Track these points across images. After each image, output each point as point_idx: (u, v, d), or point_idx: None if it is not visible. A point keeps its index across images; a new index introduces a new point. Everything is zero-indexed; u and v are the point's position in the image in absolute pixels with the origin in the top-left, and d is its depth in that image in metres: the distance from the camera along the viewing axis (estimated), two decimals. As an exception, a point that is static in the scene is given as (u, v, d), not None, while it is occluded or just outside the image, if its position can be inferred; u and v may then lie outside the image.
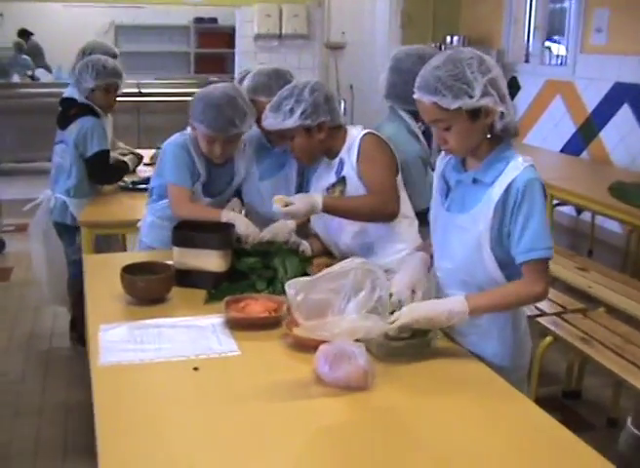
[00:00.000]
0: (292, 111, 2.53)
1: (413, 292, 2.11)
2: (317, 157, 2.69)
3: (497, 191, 1.93)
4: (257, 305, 2.24)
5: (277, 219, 2.69)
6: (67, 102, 3.90)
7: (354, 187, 2.58)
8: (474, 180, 2.01)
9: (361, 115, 9.12)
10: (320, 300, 1.76)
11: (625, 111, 6.04)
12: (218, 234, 2.50)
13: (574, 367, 3.69)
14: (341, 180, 2.61)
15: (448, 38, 8.09)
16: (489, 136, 1.97)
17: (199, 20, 10.67)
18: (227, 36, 10.41)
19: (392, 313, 1.90)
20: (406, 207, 2.64)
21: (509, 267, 1.98)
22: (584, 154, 6.57)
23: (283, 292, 2.40)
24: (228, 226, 2.59)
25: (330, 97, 2.61)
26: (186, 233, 2.48)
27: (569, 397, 3.71)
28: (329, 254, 2.75)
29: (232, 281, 2.46)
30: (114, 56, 4.31)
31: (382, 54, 9.95)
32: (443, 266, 2.12)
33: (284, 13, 7.96)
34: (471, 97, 1.88)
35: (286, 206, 2.40)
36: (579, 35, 6.60)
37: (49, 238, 3.93)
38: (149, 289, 2.32)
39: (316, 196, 2.52)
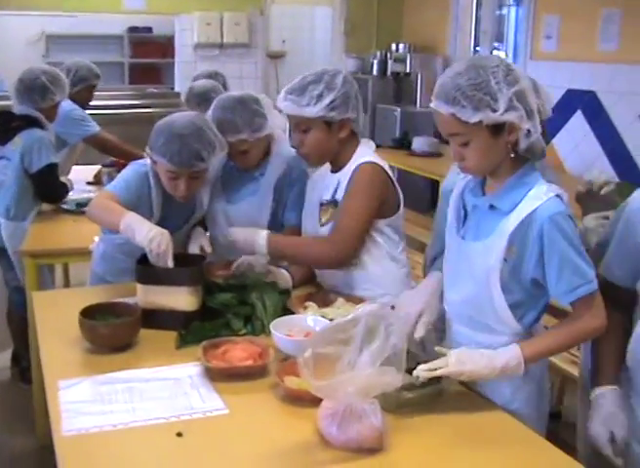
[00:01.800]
0: (320, 97, 2.23)
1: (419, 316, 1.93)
2: (327, 159, 2.39)
3: (513, 221, 1.72)
4: (238, 350, 1.97)
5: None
6: (6, 116, 3.58)
7: None
8: (491, 207, 1.79)
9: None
10: (329, 354, 1.51)
11: (578, 118, 5.96)
12: (187, 268, 2.22)
13: (553, 387, 3.53)
14: (334, 204, 2.36)
15: (393, 45, 7.94)
16: (512, 155, 1.75)
17: (133, 30, 10.24)
18: (163, 46, 10.06)
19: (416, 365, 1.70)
20: (396, 249, 2.40)
21: (521, 308, 1.78)
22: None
23: (263, 331, 2.17)
24: (198, 259, 2.31)
25: (359, 94, 2.33)
26: (151, 268, 2.20)
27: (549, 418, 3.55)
28: (311, 282, 2.52)
29: (204, 320, 2.19)
30: (97, 76, 4.40)
31: (323, 62, 9.78)
32: (451, 299, 1.91)
33: (225, 21, 7.68)
34: (494, 110, 1.66)
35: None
36: (528, 42, 6.52)
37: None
38: (114, 335, 2.03)
39: (261, 233, 2.32)
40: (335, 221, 2.33)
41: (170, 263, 2.17)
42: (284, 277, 2.43)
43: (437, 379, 1.76)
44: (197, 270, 2.24)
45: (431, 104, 1.74)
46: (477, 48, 7.60)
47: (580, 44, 5.89)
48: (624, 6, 5.50)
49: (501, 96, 1.66)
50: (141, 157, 4.16)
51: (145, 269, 2.20)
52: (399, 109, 7.34)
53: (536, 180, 1.75)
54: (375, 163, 2.32)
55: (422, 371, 1.69)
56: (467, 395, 1.83)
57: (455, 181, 2.16)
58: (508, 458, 1.59)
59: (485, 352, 1.73)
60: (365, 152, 2.36)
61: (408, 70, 7.63)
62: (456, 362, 1.69)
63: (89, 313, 2.08)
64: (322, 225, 2.40)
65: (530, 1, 6.41)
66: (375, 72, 7.97)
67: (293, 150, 2.71)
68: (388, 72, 7.84)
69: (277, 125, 2.60)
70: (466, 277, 1.82)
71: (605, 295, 1.76)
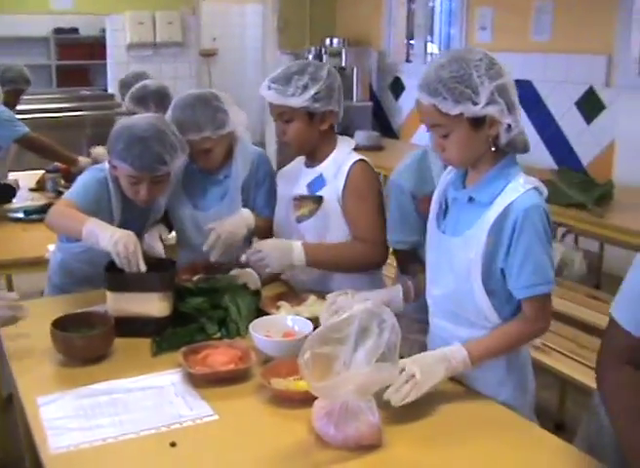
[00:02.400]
0: (305, 88, 2.23)
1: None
2: (306, 150, 2.39)
3: (492, 214, 1.73)
4: (219, 355, 1.94)
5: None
6: None
7: (331, 213, 2.33)
8: (470, 199, 1.80)
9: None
10: (326, 354, 1.50)
11: (515, 107, 6.10)
12: (158, 273, 2.17)
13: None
14: (316, 199, 2.34)
15: (327, 40, 7.95)
16: (493, 149, 1.76)
17: (59, 31, 9.99)
18: (90, 47, 9.83)
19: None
20: None
21: (498, 301, 1.79)
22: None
23: (238, 333, 2.15)
24: (168, 264, 2.26)
25: (341, 88, 2.34)
26: (121, 275, 2.13)
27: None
28: (277, 279, 2.52)
29: (176, 325, 2.15)
30: (27, 82, 4.26)
31: (255, 59, 9.76)
32: (433, 293, 1.91)
33: (157, 20, 7.55)
34: (475, 103, 1.67)
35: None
36: (462, 33, 6.63)
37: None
38: (89, 346, 1.97)
39: (295, 245, 2.27)
40: (354, 223, 2.32)
41: (141, 265, 2.12)
42: (252, 277, 2.40)
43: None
44: (168, 275, 2.19)
45: (416, 95, 1.75)
46: (411, 41, 7.68)
47: (514, 35, 6.02)
48: (556, -3, 5.65)
49: (483, 89, 1.67)
50: (75, 159, 4.11)
51: (115, 276, 2.14)
52: (337, 104, 7.36)
53: (516, 173, 1.76)
54: (364, 160, 2.34)
55: (394, 398, 1.65)
56: (453, 387, 1.83)
57: (408, 176, 2.18)
58: (505, 445, 1.61)
59: (438, 357, 1.73)
60: (348, 149, 2.37)
61: (343, 65, 7.65)
62: (424, 380, 1.67)
63: (59, 325, 2.02)
64: (299, 221, 2.39)
65: (463, -7, 6.52)
66: (310, 68, 7.98)
67: (256, 149, 2.68)
68: (324, 67, 7.84)
69: (239, 121, 2.56)
70: (447, 271, 1.83)
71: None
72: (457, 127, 1.71)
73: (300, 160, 2.46)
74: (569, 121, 5.63)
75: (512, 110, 1.71)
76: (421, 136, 7.15)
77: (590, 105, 5.50)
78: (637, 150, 5.21)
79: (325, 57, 7.82)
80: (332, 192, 2.33)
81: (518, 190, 1.72)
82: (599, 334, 3.21)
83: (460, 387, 1.84)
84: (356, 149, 2.42)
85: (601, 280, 4.81)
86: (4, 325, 2.03)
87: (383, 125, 7.58)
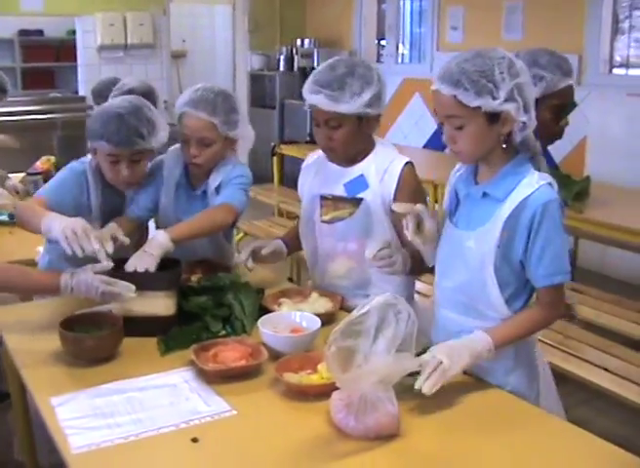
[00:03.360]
0: (360, 94, 2.12)
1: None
2: (351, 154, 2.27)
3: (507, 208, 1.78)
4: (229, 351, 1.96)
5: None
6: None
7: (373, 215, 2.26)
8: (484, 195, 1.85)
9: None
10: (348, 347, 1.54)
11: (487, 106, 6.19)
12: (164, 272, 2.18)
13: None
14: (356, 201, 2.26)
15: (298, 41, 7.99)
16: (504, 146, 1.82)
17: (24, 33, 9.86)
18: (55, 49, 9.72)
19: None
20: None
21: (511, 293, 1.85)
22: (448, 149, 6.67)
23: (244, 331, 2.17)
24: (173, 263, 2.27)
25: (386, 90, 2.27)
26: (126, 274, 2.14)
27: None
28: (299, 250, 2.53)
29: (181, 323, 2.17)
30: (4, 91, 4.02)
31: (225, 60, 9.74)
32: (443, 285, 1.96)
33: (128, 22, 7.51)
34: (495, 98, 1.72)
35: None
36: (434, 33, 6.71)
37: None
38: (100, 346, 1.97)
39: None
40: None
41: (95, 245, 2.08)
42: (279, 246, 2.44)
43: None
44: (174, 274, 2.21)
45: (432, 86, 1.79)
46: (382, 41, 7.75)
47: (485, 35, 6.11)
48: (525, -3, 5.75)
49: (503, 85, 1.72)
50: None
51: (121, 275, 2.14)
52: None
53: (528, 170, 1.82)
54: (412, 162, 2.30)
55: (427, 386, 1.67)
56: (463, 377, 1.86)
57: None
58: (516, 433, 1.66)
59: (463, 343, 1.77)
60: (391, 151, 2.32)
61: (315, 65, 7.70)
62: (451, 364, 1.70)
63: (68, 326, 2.02)
64: (328, 222, 2.32)
65: (434, -7, 6.60)
66: (281, 68, 8.01)
67: (232, 169, 2.54)
68: (295, 68, 7.89)
69: (246, 136, 2.55)
70: (459, 264, 1.88)
71: None
72: (472, 120, 1.75)
73: (322, 156, 2.37)
74: (541, 119, 5.73)
75: (528, 109, 1.77)
76: (393, 136, 7.23)
77: (562, 103, 5.60)
78: (608, 147, 5.33)
79: (297, 57, 7.87)
80: (376, 195, 2.25)
81: (533, 185, 1.77)
82: (584, 326, 3.32)
83: (468, 378, 1.88)
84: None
85: (575, 274, 4.92)
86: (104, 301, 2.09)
87: (356, 125, 7.65)
